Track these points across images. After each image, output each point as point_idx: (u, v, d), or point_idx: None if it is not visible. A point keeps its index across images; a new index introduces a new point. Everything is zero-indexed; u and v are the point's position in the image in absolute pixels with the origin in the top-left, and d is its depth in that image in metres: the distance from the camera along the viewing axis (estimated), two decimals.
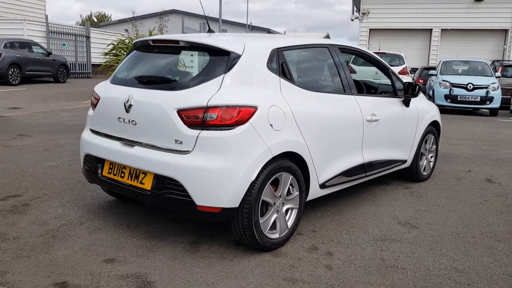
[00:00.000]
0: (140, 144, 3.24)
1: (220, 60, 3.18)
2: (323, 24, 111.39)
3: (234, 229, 3.17)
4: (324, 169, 3.69)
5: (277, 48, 3.47)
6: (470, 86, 12.97)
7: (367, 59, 4.75)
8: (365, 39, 27.81)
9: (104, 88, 3.63)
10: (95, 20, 62.77)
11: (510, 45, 26.31)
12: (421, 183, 5.30)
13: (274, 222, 3.30)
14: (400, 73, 12.70)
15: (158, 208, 3.72)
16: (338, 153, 3.85)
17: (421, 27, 27.14)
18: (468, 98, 12.99)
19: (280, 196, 3.31)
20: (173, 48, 3.51)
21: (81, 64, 23.79)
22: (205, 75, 3.14)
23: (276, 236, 3.30)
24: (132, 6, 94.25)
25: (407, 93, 4.79)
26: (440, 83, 13.33)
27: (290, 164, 3.30)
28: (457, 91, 13.05)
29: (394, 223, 3.95)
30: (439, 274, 3.01)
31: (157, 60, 3.65)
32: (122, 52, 15.54)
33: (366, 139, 4.17)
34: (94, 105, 3.68)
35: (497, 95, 12.92)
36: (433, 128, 5.44)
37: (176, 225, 3.69)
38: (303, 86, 3.58)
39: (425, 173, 5.41)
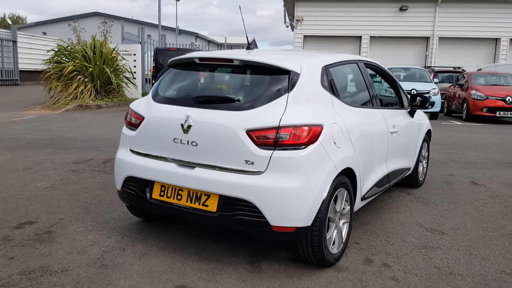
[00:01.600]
0: (202, 165, 3.16)
1: (281, 79, 3.19)
2: (248, 29, 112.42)
3: (301, 247, 3.19)
4: (364, 182, 3.81)
5: (325, 66, 3.54)
6: (413, 92, 13.80)
7: (380, 74, 4.96)
8: (300, 45, 28.58)
9: (148, 107, 3.48)
10: (10, 22, 58.74)
11: (432, 51, 28.25)
12: (419, 189, 5.61)
13: (334, 237, 3.37)
14: None
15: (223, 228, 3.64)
16: (373, 165, 3.99)
17: (352, 34, 28.38)
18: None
19: (338, 211, 3.38)
20: (224, 66, 3.46)
21: (7, 70, 22.20)
22: (268, 94, 3.14)
23: (335, 251, 3.37)
24: (43, 7, 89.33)
25: (413, 104, 5.06)
26: (385, 89, 14.04)
27: (345, 179, 3.38)
28: None
29: (422, 230, 4.16)
30: (494, 278, 3.23)
31: (205, 78, 3.57)
32: (65, 59, 14.76)
33: (389, 150, 4.35)
34: (134, 125, 3.52)
35: (437, 99, 13.89)
36: (427, 136, 5.78)
37: (221, 244, 3.63)
38: (346, 102, 3.67)
39: (421, 179, 5.74)
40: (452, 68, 19.48)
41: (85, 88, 14.30)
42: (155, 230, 3.92)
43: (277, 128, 2.96)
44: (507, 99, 13.41)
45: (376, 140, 4.01)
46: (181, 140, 3.21)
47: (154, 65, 17.91)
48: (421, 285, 3.08)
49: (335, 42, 28.70)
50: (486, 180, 6.20)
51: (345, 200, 3.45)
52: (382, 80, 5.15)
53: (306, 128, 3.00)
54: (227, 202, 3.04)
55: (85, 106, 13.78)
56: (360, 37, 28.58)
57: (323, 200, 3.07)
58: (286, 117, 3.00)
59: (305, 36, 28.58)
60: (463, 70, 19.41)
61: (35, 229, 3.86)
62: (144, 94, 19.30)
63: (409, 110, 5.08)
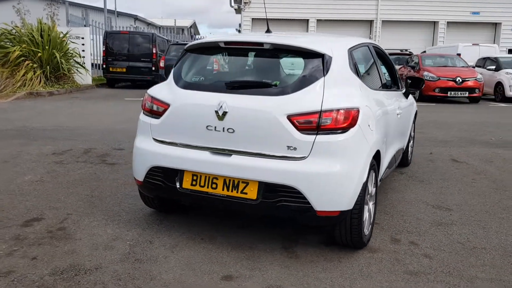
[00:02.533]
0: (239, 152, 3.08)
1: (316, 63, 3.16)
2: (185, 11, 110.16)
3: (339, 230, 3.21)
4: (383, 164, 3.89)
5: (349, 49, 3.54)
6: None
7: (381, 57, 5.03)
8: (248, 28, 28.42)
9: (173, 94, 3.33)
10: None
11: (376, 34, 29.07)
12: (408, 167, 5.81)
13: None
14: None
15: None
16: (388, 147, 4.08)
17: (299, 17, 28.62)
18: None
19: (369, 193, 3.43)
20: (252, 50, 3.37)
21: None
22: (305, 78, 3.10)
23: (367, 232, 3.42)
24: None
25: (409, 86, 5.20)
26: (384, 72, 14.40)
27: (374, 162, 3.43)
28: None
29: (429, 207, 4.32)
30: None
31: (234, 62, 3.46)
32: (9, 44, 13.82)
33: (396, 131, 4.46)
34: (157, 113, 3.36)
35: None
36: (414, 116, 5.98)
37: (247, 231, 3.58)
38: (368, 85, 3.71)
39: (409, 158, 5.94)
40: (399, 51, 20.17)
41: (34, 74, 13.48)
42: (174, 220, 3.80)
43: (320, 113, 2.94)
44: (457, 80, 14.12)
45: (391, 122, 4.09)
46: (215, 127, 3.11)
47: (104, 49, 17.15)
48: (453, 260, 3.21)
49: (283, 25, 28.81)
50: (464, 157, 6.52)
51: (374, 182, 3.51)
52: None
53: (346, 111, 3.00)
54: (269, 189, 3.00)
55: (36, 93, 13.00)
56: (308, 20, 28.90)
57: (363, 183, 3.10)
58: (327, 101, 2.99)
59: (253, 19, 28.43)
60: (410, 52, 20.16)
61: (45, 226, 3.62)
62: (94, 79, 18.49)
63: (404, 91, 5.21)
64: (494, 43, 27.62)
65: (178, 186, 3.25)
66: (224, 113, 3.06)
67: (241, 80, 3.30)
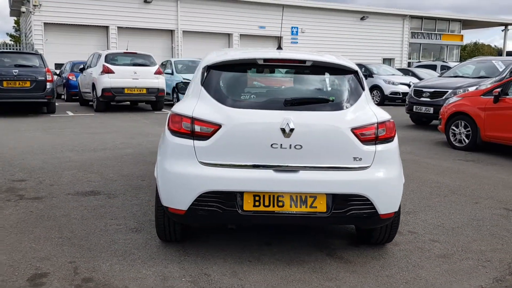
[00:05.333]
0: (307, 168, 3.15)
1: (354, 79, 3.43)
2: None
3: (379, 230, 3.53)
4: None
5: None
6: (184, 81, 14.72)
7: None
8: (40, 33, 25.85)
9: (222, 114, 3.14)
10: None
11: (178, 44, 29.81)
12: None
13: None
14: (156, 73, 13.13)
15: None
16: None
17: (99, 23, 27.36)
18: None
19: None
20: (292, 67, 3.43)
21: None
22: (352, 93, 3.36)
23: None
24: None
25: None
26: (181, 81, 14.54)
27: None
28: None
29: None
30: None
31: (276, 79, 3.43)
32: None
33: None
34: (205, 134, 3.14)
35: None
36: None
37: (279, 247, 3.62)
38: None
39: None
40: None
41: None
42: (196, 247, 3.55)
43: (377, 124, 3.24)
44: None
45: None
46: (281, 144, 3.10)
47: None
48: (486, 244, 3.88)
49: (82, 31, 27.14)
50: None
51: None
52: None
53: (392, 122, 3.37)
54: (339, 200, 3.15)
55: None
56: (107, 27, 27.78)
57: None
58: (378, 113, 3.31)
59: (45, 24, 25.95)
60: None
61: (65, 283, 2.98)
62: None
63: None
64: None
65: (239, 210, 3.11)
66: (291, 130, 3.08)
67: (305, 97, 3.33)
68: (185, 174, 3.16)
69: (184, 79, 14.48)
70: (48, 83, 11.53)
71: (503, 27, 40.84)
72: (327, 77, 3.47)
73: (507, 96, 7.42)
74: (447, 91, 10.35)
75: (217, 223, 3.35)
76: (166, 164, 3.25)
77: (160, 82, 13.16)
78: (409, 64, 34.49)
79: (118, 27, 27.93)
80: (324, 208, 3.14)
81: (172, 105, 15.31)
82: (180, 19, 29.43)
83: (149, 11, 28.37)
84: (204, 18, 29.70)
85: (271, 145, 3.10)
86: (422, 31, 38.51)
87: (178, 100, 14.72)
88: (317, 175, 3.14)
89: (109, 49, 27.07)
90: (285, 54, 3.45)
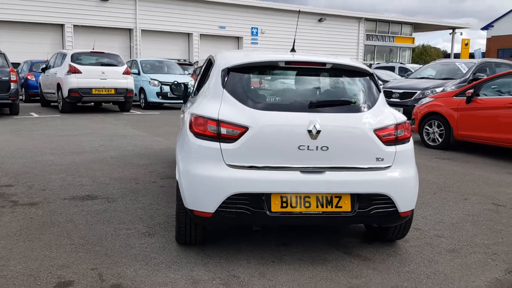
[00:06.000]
0: (332, 168, 3.21)
1: (370, 81, 3.53)
2: None
3: (395, 227, 3.64)
4: None
5: None
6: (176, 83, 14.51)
7: None
8: None
9: (248, 116, 3.16)
10: None
11: (136, 43, 29.29)
12: None
13: None
14: (124, 73, 12.83)
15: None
16: None
17: (54, 21, 26.50)
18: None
19: None
20: (312, 70, 3.48)
21: None
22: (371, 95, 3.46)
23: None
24: None
25: None
26: (149, 81, 14.29)
27: None
28: (166, 88, 14.35)
29: None
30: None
31: (300, 82, 3.47)
32: None
33: None
34: (231, 137, 3.14)
35: None
36: None
37: (296, 247, 3.67)
38: None
39: None
40: (178, 61, 21.00)
41: None
42: (215, 249, 3.54)
43: (396, 125, 3.35)
44: None
45: None
46: (308, 146, 3.15)
47: None
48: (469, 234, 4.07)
49: (37, 30, 26.18)
50: None
51: None
52: None
53: (408, 123, 3.50)
54: (363, 199, 3.24)
55: None
56: (63, 25, 26.90)
57: None
58: (396, 115, 3.42)
59: None
60: (190, 62, 21.23)
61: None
62: None
63: None
64: None
65: (267, 211, 3.14)
66: (318, 132, 3.14)
67: (326, 99, 3.39)
68: (212, 177, 3.15)
69: (151, 79, 14.30)
70: (12, 84, 11.04)
71: (451, 31, 42.77)
72: (346, 79, 3.54)
73: (479, 97, 7.81)
74: (416, 92, 10.76)
75: (244, 225, 3.35)
76: (191, 167, 3.23)
77: (128, 82, 12.89)
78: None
79: (74, 25, 27.12)
80: (349, 208, 3.22)
81: (139, 106, 15.05)
82: (139, 17, 28.92)
83: (107, 9, 27.71)
84: (164, 17, 29.33)
85: (298, 146, 3.14)
86: (377, 34, 39.72)
87: (146, 101, 14.49)
88: (342, 175, 3.21)
89: (65, 48, 26.23)
90: (305, 56, 3.51)
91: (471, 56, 41.48)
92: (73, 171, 5.96)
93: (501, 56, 63.04)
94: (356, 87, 3.50)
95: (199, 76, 4.84)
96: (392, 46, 40.91)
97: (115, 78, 12.57)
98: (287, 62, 3.38)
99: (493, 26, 70.96)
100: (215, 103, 3.32)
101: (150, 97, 14.23)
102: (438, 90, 10.52)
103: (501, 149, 7.95)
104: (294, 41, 4.03)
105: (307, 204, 3.18)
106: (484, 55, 58.16)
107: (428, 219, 4.47)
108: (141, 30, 29.25)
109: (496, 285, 3.15)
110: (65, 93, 12.24)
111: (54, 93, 13.14)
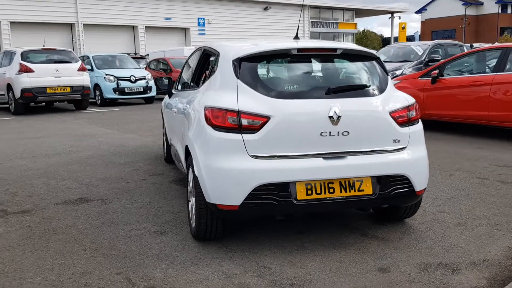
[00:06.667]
0: (353, 153, 3.25)
1: (377, 65, 3.59)
2: None
3: (406, 206, 3.74)
4: None
5: None
6: (133, 78, 14.10)
7: None
8: None
9: (269, 105, 3.12)
10: None
11: (79, 38, 28.20)
12: None
13: None
14: (79, 70, 12.28)
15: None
16: None
17: None
18: (134, 89, 14.14)
19: None
20: (323, 56, 3.49)
21: None
22: (382, 78, 3.52)
23: None
24: None
25: None
26: (105, 77, 13.79)
27: None
28: (123, 84, 13.92)
29: None
30: None
31: (311, 68, 3.45)
32: None
33: None
34: (253, 127, 3.10)
35: (153, 84, 14.67)
36: None
37: (310, 233, 3.71)
38: None
39: None
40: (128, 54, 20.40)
41: None
42: (240, 242, 3.51)
43: (408, 107, 3.44)
44: None
45: None
46: (330, 132, 3.17)
47: None
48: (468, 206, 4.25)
49: None
50: None
51: None
52: None
53: (417, 104, 3.59)
54: (383, 181, 3.31)
55: None
56: None
57: None
58: (407, 97, 3.51)
59: None
60: (141, 55, 20.66)
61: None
62: None
63: None
64: (186, 45, 30.87)
65: (294, 200, 3.13)
66: (339, 117, 3.16)
67: (343, 84, 3.40)
68: (236, 169, 3.10)
69: (107, 74, 13.83)
70: None
71: (389, 15, 44.20)
72: (357, 64, 3.57)
73: (443, 77, 8.14)
74: None
75: (269, 214, 3.32)
76: (212, 161, 3.16)
77: (84, 79, 12.38)
78: None
79: (10, 22, 25.71)
80: (371, 190, 3.27)
81: (94, 103, 14.51)
82: (80, 11, 27.84)
83: (45, 3, 26.45)
84: (107, 10, 28.39)
85: (321, 133, 3.15)
86: (321, 20, 40.37)
87: (102, 97, 13.99)
88: (363, 159, 3.26)
89: (2, 47, 24.79)
90: (316, 43, 3.52)
91: (409, 39, 43.09)
92: (53, 174, 5.67)
93: (435, 38, 66.14)
94: (367, 71, 3.54)
95: (192, 68, 4.72)
96: (336, 32, 41.75)
97: (70, 76, 12.02)
98: (299, 50, 3.37)
99: (426, 9, 74.18)
100: (230, 94, 3.25)
101: (107, 93, 13.76)
102: (398, 72, 10.87)
103: (465, 126, 8.35)
104: (297, 28, 4.01)
105: (331, 190, 3.21)
106: (420, 38, 60.69)
107: (424, 196, 4.61)
108: (83, 24, 28.18)
109: (510, 253, 3.32)
110: (18, 94, 11.58)
111: (3, 94, 12.40)
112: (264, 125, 3.11)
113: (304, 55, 3.45)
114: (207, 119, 3.23)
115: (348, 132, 3.20)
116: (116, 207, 4.37)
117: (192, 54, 5.08)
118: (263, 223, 3.86)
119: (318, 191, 3.19)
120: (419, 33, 70.92)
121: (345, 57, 3.54)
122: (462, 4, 64.93)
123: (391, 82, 3.56)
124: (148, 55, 22.53)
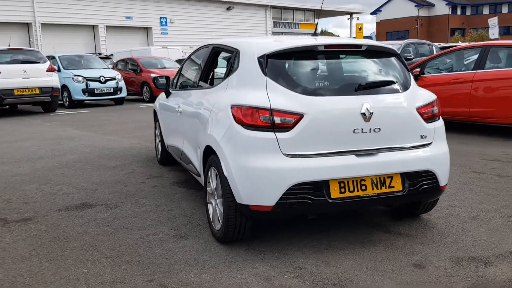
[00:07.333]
0: (384, 149, 3.24)
1: (399, 61, 3.60)
2: None
3: (426, 203, 3.76)
4: None
5: None
6: (102, 79, 13.66)
7: None
8: None
9: (301, 103, 3.06)
10: None
11: (37, 38, 27.18)
12: None
13: None
14: (48, 70, 11.75)
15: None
16: None
17: None
18: (104, 90, 13.70)
19: None
20: (349, 52, 3.46)
21: None
22: (406, 74, 3.54)
23: None
24: None
25: None
26: (73, 78, 13.29)
27: None
28: (93, 84, 13.46)
29: None
30: None
31: (338, 65, 3.41)
32: None
33: None
34: (287, 126, 3.03)
35: (123, 85, 14.27)
36: None
37: (331, 230, 3.68)
38: None
39: None
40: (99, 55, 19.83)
41: None
42: (271, 243, 3.43)
43: (432, 103, 3.46)
44: None
45: None
46: (362, 129, 3.15)
47: None
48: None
49: None
50: None
51: None
52: None
53: (438, 101, 3.61)
54: (412, 177, 3.31)
55: None
56: None
57: None
58: (429, 93, 3.54)
59: None
60: (106, 55, 20.05)
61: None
62: None
63: None
64: (148, 45, 30.34)
65: (328, 198, 3.09)
66: (371, 114, 3.14)
67: (373, 81, 3.37)
68: (270, 168, 3.02)
69: (75, 75, 13.36)
70: None
71: (348, 16, 45.07)
72: (381, 60, 3.56)
73: (424, 75, 8.33)
74: None
75: (303, 214, 3.25)
76: (244, 161, 3.07)
77: (54, 80, 11.88)
78: None
79: None
80: (400, 187, 3.27)
81: (62, 105, 13.96)
82: (37, 10, 26.76)
83: (2, 2, 25.23)
84: (65, 9, 27.44)
85: (353, 130, 3.12)
86: (283, 21, 40.63)
87: (70, 99, 13.50)
88: (392, 156, 3.25)
89: None
90: (340, 40, 3.48)
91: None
92: (43, 179, 5.38)
93: (390, 38, 67.96)
94: (392, 68, 3.54)
95: (199, 67, 4.57)
96: (298, 33, 42.09)
97: (38, 77, 11.50)
98: (326, 46, 3.32)
99: (381, 10, 76.18)
100: (258, 92, 3.17)
101: (75, 95, 13.27)
102: None
103: (447, 122, 8.55)
104: (316, 25, 3.96)
105: (363, 187, 3.18)
106: (376, 38, 62.20)
107: None
108: (41, 24, 27.12)
109: None
110: None
111: None
112: (298, 123, 3.04)
113: (330, 52, 3.41)
114: (236, 118, 3.13)
115: (379, 129, 3.19)
116: (124, 212, 4.18)
117: (195, 51, 4.94)
118: (278, 223, 3.79)
119: (351, 189, 3.15)
120: (375, 34, 72.68)
121: (369, 53, 3.53)
122: (415, 6, 67.11)
123: (412, 78, 3.58)
124: (112, 55, 21.91)
